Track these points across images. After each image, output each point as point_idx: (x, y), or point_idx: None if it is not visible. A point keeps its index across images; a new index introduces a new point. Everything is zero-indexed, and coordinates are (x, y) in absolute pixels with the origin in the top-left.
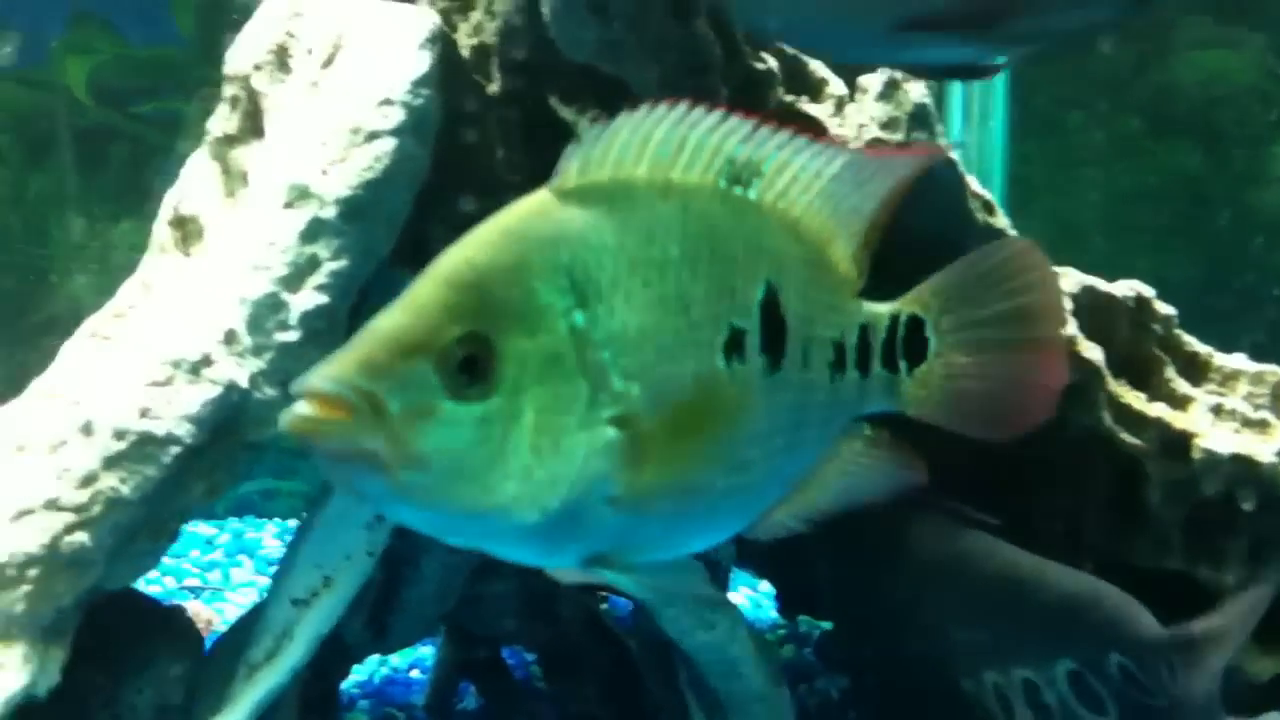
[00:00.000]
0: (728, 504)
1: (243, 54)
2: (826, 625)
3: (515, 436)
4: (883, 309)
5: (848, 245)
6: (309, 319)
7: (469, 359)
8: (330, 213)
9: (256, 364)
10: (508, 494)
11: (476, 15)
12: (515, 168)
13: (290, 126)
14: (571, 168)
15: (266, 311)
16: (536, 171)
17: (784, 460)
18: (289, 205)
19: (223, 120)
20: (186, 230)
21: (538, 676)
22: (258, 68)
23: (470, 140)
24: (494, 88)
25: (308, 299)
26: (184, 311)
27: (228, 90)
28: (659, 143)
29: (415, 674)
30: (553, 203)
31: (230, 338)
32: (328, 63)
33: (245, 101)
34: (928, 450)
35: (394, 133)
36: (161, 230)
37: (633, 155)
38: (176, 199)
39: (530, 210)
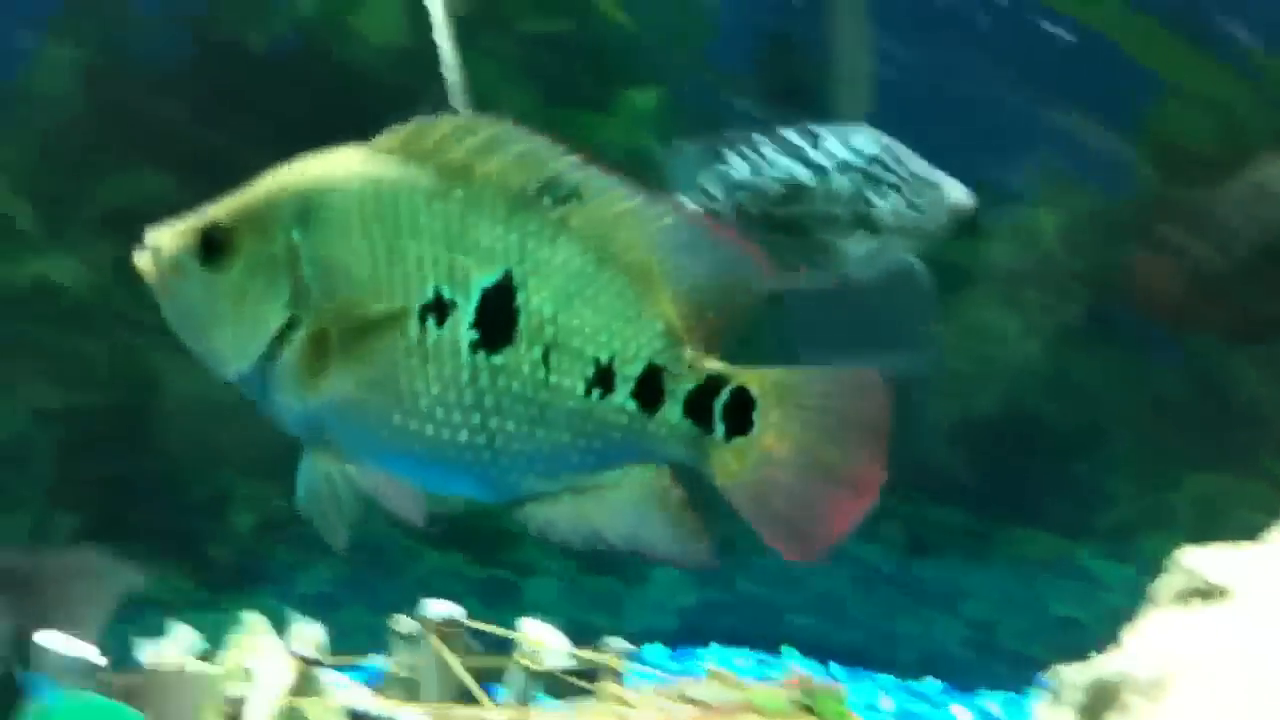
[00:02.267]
0: (416, 446)
1: None
2: None
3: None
4: (712, 366)
5: (670, 292)
6: None
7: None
8: None
9: None
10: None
11: None
12: None
13: None
14: (403, 131)
15: None
16: None
17: (511, 445)
18: None
19: None
20: None
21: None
22: None
23: None
24: None
25: None
26: None
27: None
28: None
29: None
30: (364, 152)
31: None
32: None
33: None
34: None
35: None
36: None
37: (456, 139)
38: None
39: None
